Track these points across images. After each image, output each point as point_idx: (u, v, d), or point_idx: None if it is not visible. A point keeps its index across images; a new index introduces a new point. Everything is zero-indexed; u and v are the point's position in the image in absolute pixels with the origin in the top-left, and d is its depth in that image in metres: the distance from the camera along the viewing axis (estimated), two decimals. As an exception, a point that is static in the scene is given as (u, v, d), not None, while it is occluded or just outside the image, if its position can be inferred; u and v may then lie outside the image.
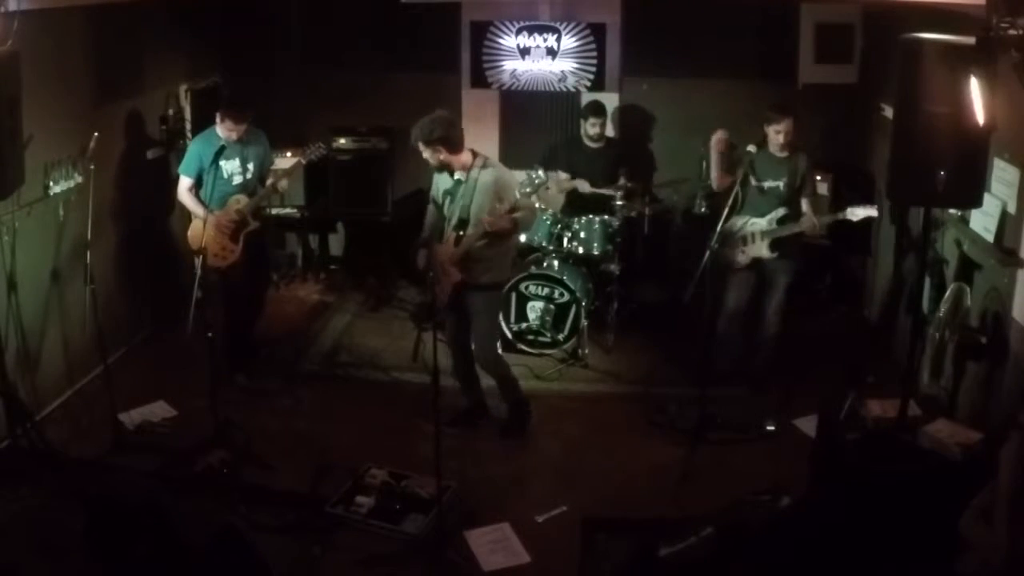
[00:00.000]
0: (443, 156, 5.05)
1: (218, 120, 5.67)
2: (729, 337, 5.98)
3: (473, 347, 5.41)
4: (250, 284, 5.99)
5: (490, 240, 5.10)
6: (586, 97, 7.57)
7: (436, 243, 5.27)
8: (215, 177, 5.52)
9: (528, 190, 5.03)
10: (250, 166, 5.78)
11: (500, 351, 5.80)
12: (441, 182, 5.24)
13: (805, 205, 5.76)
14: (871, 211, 5.61)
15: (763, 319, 5.95)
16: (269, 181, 5.84)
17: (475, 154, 5.14)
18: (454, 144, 5.05)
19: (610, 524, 4.60)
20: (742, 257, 5.78)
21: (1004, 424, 3.92)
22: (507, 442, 5.44)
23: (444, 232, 5.22)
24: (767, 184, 5.71)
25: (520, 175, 5.10)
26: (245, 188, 5.78)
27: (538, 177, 5.03)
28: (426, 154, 5.06)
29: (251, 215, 5.78)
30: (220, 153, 5.48)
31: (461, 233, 5.11)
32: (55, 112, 5.44)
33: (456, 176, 5.14)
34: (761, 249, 5.74)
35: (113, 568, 3.96)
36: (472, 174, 5.09)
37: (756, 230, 5.74)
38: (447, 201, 5.20)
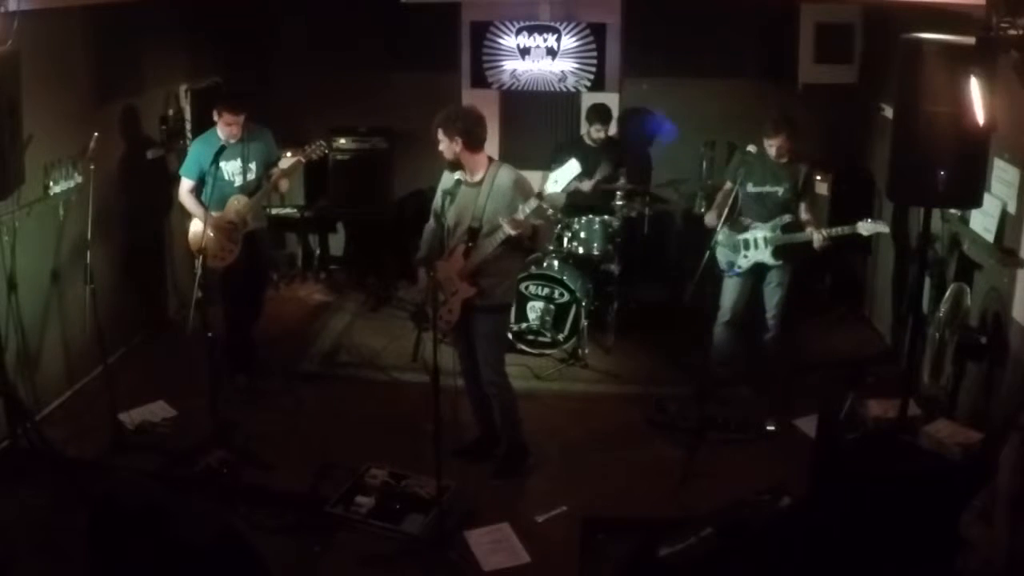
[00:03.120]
0: (459, 150, 4.71)
1: (216, 117, 5.64)
2: (724, 344, 5.94)
3: (482, 372, 4.99)
4: (249, 284, 5.98)
5: (504, 250, 4.74)
6: (586, 97, 7.57)
7: (439, 259, 4.86)
8: (215, 178, 5.48)
9: (561, 185, 4.63)
10: (252, 166, 5.75)
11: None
12: (449, 188, 4.83)
13: (804, 211, 5.73)
14: (882, 227, 5.52)
15: (763, 323, 5.94)
16: (270, 177, 5.77)
17: (490, 159, 4.84)
18: (474, 141, 4.73)
19: (610, 524, 4.60)
20: (743, 261, 5.76)
21: (1004, 424, 3.92)
22: (497, 481, 5.04)
23: (446, 246, 4.88)
24: (765, 189, 5.68)
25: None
26: (246, 188, 5.75)
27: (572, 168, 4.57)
28: (442, 145, 4.73)
29: (251, 215, 5.75)
30: (220, 154, 5.46)
31: (471, 244, 4.77)
32: (55, 112, 5.44)
33: (467, 180, 4.80)
34: (764, 255, 5.70)
35: (113, 568, 3.96)
36: (487, 179, 4.76)
37: (759, 236, 5.71)
38: (453, 210, 4.82)
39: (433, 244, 4.97)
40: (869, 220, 5.52)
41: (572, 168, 4.60)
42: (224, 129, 5.62)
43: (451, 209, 4.83)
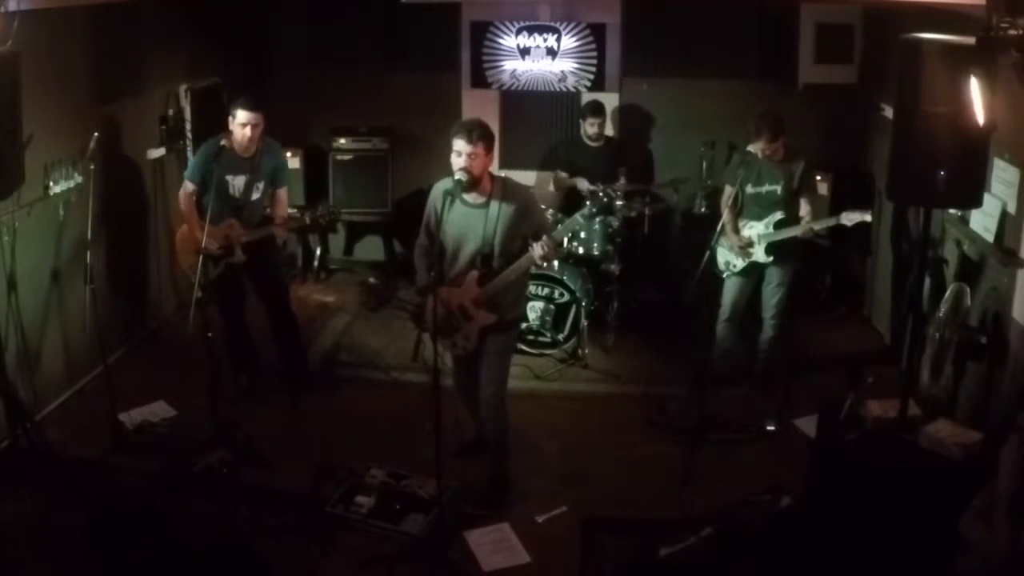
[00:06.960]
0: (480, 163, 4.32)
1: (231, 121, 5.39)
2: (727, 341, 5.97)
3: (482, 391, 4.70)
4: (261, 288, 5.84)
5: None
6: (586, 97, 7.57)
7: (444, 286, 4.49)
8: (218, 188, 5.24)
9: (582, 220, 4.65)
10: (260, 185, 5.55)
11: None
12: (445, 205, 4.39)
13: (804, 207, 5.74)
14: (865, 216, 5.60)
15: (762, 323, 5.96)
16: (276, 218, 5.60)
17: (493, 177, 4.49)
18: (490, 151, 4.41)
19: (610, 524, 4.60)
20: (739, 261, 5.79)
21: (1004, 424, 3.93)
22: (475, 511, 4.75)
23: (446, 269, 4.54)
24: (763, 189, 5.70)
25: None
26: (249, 209, 5.52)
27: (603, 192, 4.68)
28: (476, 160, 4.31)
29: (241, 248, 5.46)
30: (219, 154, 5.30)
31: (484, 271, 4.48)
32: (55, 112, 5.44)
33: (469, 199, 4.46)
34: (757, 253, 5.73)
35: (113, 568, 3.96)
36: (494, 199, 4.41)
37: (753, 234, 5.74)
38: (453, 230, 4.47)
39: (431, 266, 4.53)
40: (852, 211, 5.58)
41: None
42: (239, 132, 5.36)
43: (450, 229, 4.47)
